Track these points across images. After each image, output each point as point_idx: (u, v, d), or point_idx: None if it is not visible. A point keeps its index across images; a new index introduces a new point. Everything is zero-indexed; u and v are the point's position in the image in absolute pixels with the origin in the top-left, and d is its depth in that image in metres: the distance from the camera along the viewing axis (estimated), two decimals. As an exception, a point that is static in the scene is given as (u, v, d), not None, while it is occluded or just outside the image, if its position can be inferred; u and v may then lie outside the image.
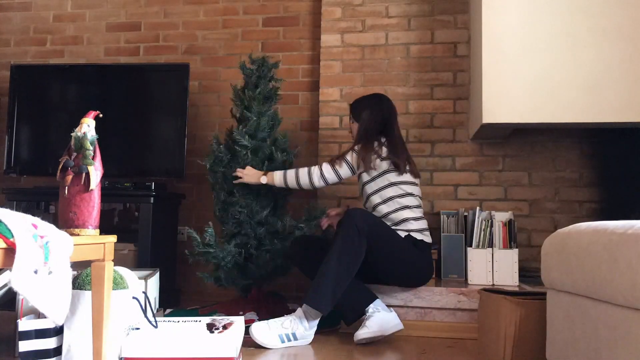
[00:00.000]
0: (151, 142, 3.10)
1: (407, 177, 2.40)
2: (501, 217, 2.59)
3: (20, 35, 3.58)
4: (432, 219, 2.96)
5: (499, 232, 2.57)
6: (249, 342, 2.07)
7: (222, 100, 3.36)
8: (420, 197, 2.46)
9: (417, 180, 2.46)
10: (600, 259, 1.30)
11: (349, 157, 2.41)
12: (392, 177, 2.38)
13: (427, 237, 2.40)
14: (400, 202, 2.37)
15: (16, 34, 3.59)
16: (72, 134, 1.54)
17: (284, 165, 2.69)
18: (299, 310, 2.15)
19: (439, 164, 3.03)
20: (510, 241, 2.56)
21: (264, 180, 2.50)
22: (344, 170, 2.41)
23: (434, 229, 2.90)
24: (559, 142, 2.93)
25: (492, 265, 2.57)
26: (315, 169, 2.42)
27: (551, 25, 2.50)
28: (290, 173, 2.46)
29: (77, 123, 1.56)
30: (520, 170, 2.95)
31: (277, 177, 2.48)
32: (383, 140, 2.39)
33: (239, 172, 2.56)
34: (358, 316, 2.24)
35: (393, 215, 2.36)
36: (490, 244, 2.58)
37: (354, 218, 2.17)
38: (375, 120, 2.45)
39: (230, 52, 3.38)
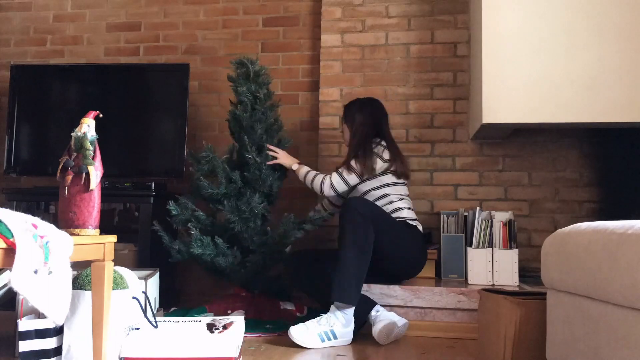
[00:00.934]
0: (151, 142, 3.09)
1: (400, 179, 2.53)
2: (501, 217, 2.59)
3: (20, 35, 3.58)
4: (432, 219, 2.96)
5: (499, 232, 2.57)
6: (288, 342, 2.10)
7: (222, 100, 3.35)
8: (409, 197, 2.58)
9: (407, 182, 2.58)
10: (600, 259, 1.30)
11: (353, 164, 2.48)
12: (387, 178, 2.50)
13: (420, 226, 2.50)
14: (392, 198, 2.49)
15: (16, 34, 3.58)
16: (72, 134, 1.54)
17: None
18: (332, 307, 2.17)
19: (439, 164, 3.02)
20: (510, 241, 2.56)
21: (295, 167, 2.61)
22: (352, 178, 2.49)
23: (434, 229, 2.90)
24: (559, 142, 2.93)
25: (492, 265, 2.57)
26: (327, 179, 2.51)
27: (551, 25, 2.50)
28: (312, 174, 2.57)
29: (77, 123, 1.56)
30: (520, 170, 2.95)
31: (302, 171, 2.60)
32: (379, 140, 2.51)
33: (273, 149, 2.60)
34: (360, 324, 2.23)
35: (385, 208, 2.46)
36: (490, 244, 2.58)
37: (355, 206, 2.23)
38: (367, 123, 2.56)
39: (230, 52, 3.38)
